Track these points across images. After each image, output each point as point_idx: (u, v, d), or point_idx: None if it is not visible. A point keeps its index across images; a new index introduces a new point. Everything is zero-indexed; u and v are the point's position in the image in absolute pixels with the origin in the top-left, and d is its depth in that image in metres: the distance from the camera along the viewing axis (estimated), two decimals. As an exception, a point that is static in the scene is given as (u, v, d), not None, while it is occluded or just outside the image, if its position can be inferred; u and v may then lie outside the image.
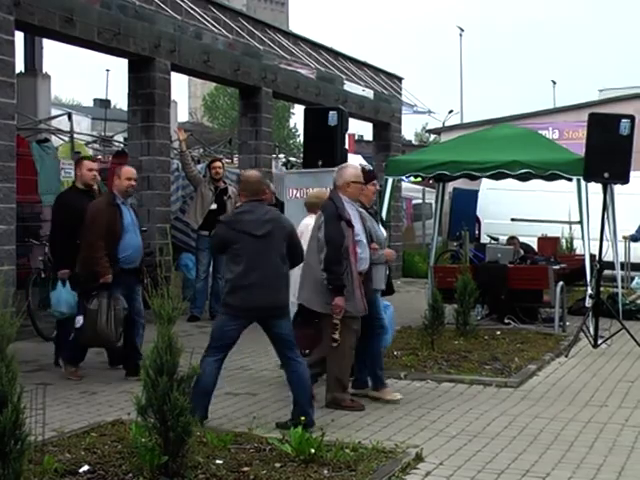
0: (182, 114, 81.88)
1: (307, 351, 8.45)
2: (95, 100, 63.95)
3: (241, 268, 7.18)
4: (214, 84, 53.36)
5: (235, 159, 19.58)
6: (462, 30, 61.22)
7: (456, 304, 12.07)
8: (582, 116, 17.66)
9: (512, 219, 19.95)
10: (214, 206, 14.46)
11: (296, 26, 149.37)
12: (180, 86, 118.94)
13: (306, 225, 8.82)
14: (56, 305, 9.73)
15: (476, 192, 21.80)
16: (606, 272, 12.46)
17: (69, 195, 10.09)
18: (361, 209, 8.42)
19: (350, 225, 7.98)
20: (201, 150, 19.78)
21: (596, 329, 11.77)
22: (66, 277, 9.64)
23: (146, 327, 9.54)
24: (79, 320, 9.33)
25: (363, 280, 8.12)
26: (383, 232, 9.06)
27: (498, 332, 12.45)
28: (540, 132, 19.14)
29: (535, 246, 17.39)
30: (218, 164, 14.85)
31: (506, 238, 16.73)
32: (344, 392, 8.18)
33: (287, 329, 7.45)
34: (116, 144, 19.34)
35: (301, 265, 7.98)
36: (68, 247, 9.51)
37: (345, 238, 7.87)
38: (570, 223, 18.14)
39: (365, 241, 8.20)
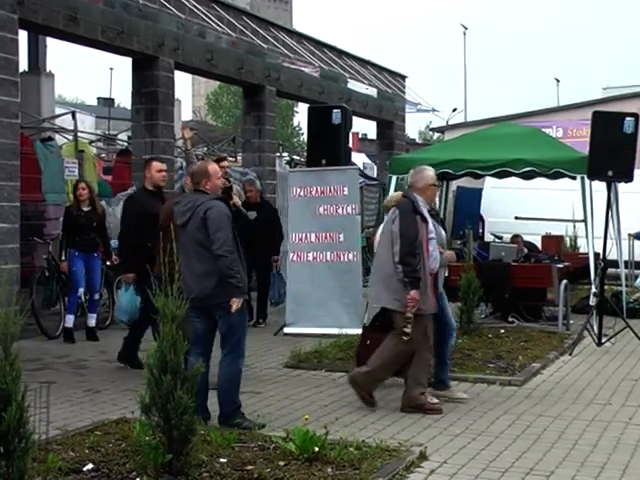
0: (186, 112, 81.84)
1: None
2: (99, 99, 63.91)
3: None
4: (218, 83, 53.39)
5: (239, 157, 19.59)
6: (466, 28, 61.14)
7: (460, 302, 12.05)
8: (586, 114, 17.62)
9: (516, 217, 19.91)
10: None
11: (300, 24, 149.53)
12: (184, 85, 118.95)
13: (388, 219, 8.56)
14: (118, 312, 9.50)
15: (480, 190, 21.76)
16: (610, 270, 12.45)
17: (139, 197, 9.92)
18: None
19: (424, 220, 7.94)
20: (205, 148, 19.78)
21: (600, 327, 11.75)
22: (131, 282, 9.40)
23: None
24: None
25: (433, 281, 8.06)
26: (444, 234, 9.01)
27: (502, 330, 12.43)
28: (544, 130, 19.13)
29: (539, 244, 17.36)
30: (226, 164, 14.83)
31: (510, 236, 16.70)
32: (423, 394, 8.04)
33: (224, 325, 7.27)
34: (120, 142, 19.34)
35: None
36: (138, 250, 9.26)
37: (419, 232, 7.84)
38: (574, 221, 18.10)
39: (436, 240, 8.12)
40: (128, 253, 9.70)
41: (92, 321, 12.16)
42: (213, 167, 7.53)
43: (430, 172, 8.36)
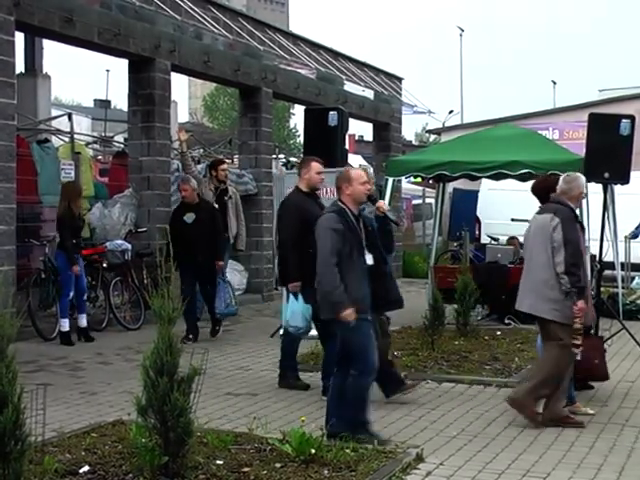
0: (182, 114, 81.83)
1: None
2: (95, 100, 63.89)
3: None
4: (214, 84, 53.38)
5: (235, 159, 19.59)
6: (462, 30, 61.24)
7: (456, 304, 12.06)
8: (582, 116, 17.63)
9: (512, 219, 19.88)
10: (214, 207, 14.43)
11: (296, 26, 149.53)
12: (180, 86, 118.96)
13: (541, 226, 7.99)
14: (292, 320, 8.77)
15: (476, 192, 21.78)
16: (606, 272, 12.45)
17: (298, 201, 9.06)
18: None
19: (583, 229, 7.85)
20: (201, 150, 19.78)
21: (596, 329, 11.75)
22: (298, 290, 8.71)
23: (146, 328, 9.52)
24: None
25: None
26: None
27: (498, 332, 12.45)
28: (540, 132, 19.13)
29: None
30: (226, 166, 14.82)
31: (506, 238, 16.72)
32: (565, 407, 7.82)
33: None
34: (116, 144, 19.33)
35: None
36: (301, 256, 8.60)
37: (580, 241, 7.68)
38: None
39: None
40: (292, 260, 8.87)
41: (83, 321, 12.25)
42: (357, 173, 7.24)
43: (583, 180, 8.29)
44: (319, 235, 6.92)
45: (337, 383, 7.03)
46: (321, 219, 7.02)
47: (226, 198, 14.56)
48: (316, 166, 9.10)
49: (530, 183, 15.36)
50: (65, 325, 11.97)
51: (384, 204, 7.49)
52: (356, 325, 6.75)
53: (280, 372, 9.33)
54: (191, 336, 12.22)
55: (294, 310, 8.66)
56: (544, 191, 8.32)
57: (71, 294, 12.05)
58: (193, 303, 12.27)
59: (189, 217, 12.23)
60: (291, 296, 8.73)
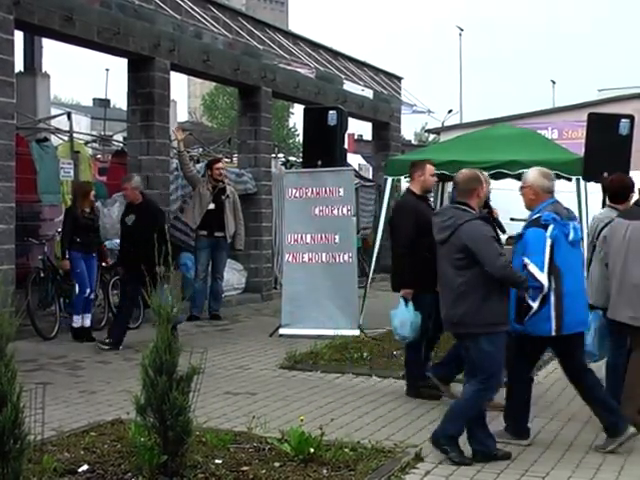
0: (181, 113, 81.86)
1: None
2: (95, 99, 63.97)
3: None
4: (213, 84, 53.38)
5: (234, 159, 19.58)
6: (461, 30, 61.27)
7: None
8: (581, 116, 17.64)
9: (511, 219, 19.87)
10: (212, 206, 14.44)
11: (296, 26, 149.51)
12: (179, 85, 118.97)
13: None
14: (399, 328, 8.58)
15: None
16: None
17: (413, 205, 8.80)
18: None
19: None
20: (200, 150, 19.77)
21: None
22: (410, 297, 8.56)
23: (145, 326, 9.51)
24: None
25: None
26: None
27: (497, 332, 12.42)
28: (539, 132, 19.11)
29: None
30: (221, 165, 14.83)
31: (505, 238, 16.70)
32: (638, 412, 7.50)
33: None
34: (115, 143, 19.31)
35: None
36: (415, 261, 8.47)
37: None
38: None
39: None
40: (409, 267, 8.59)
41: (87, 321, 12.24)
42: (485, 175, 7.10)
43: None
44: (482, 244, 6.54)
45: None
46: (477, 227, 6.61)
47: (223, 197, 14.57)
48: (431, 169, 8.98)
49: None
50: (78, 321, 12.06)
51: (497, 211, 7.35)
52: (501, 339, 6.67)
53: (408, 382, 8.92)
54: (109, 340, 11.49)
55: (403, 319, 8.49)
56: (622, 189, 8.24)
57: (87, 291, 12.08)
58: (131, 308, 12.04)
59: (129, 219, 11.78)
60: (402, 303, 8.53)
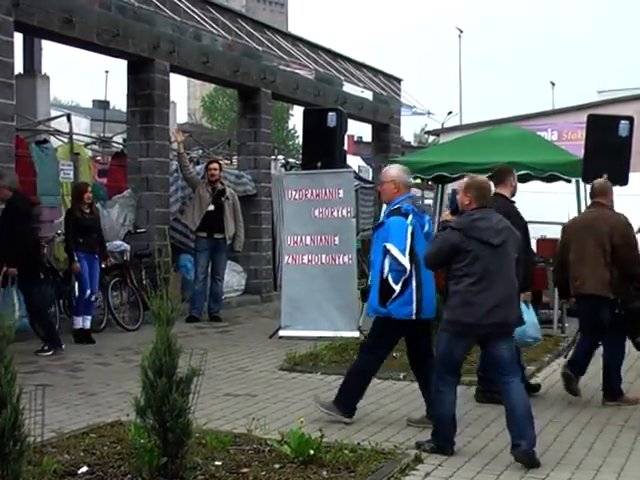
0: (181, 115, 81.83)
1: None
2: (94, 101, 63.89)
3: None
4: (213, 85, 53.39)
5: (234, 160, 19.59)
6: (461, 32, 61.36)
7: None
8: (581, 117, 17.66)
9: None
10: (211, 207, 14.45)
11: (295, 27, 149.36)
12: (179, 87, 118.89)
13: None
14: (531, 330, 8.46)
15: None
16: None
17: (516, 211, 8.68)
18: None
19: None
20: (200, 151, 19.78)
21: (595, 330, 11.73)
22: (529, 300, 8.54)
23: (147, 328, 9.50)
24: None
25: None
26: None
27: (497, 333, 12.41)
28: (539, 133, 19.13)
29: (534, 247, 17.36)
30: (214, 166, 14.83)
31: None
32: None
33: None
34: (115, 145, 19.33)
35: None
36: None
37: None
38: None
39: None
40: (525, 271, 8.37)
41: (87, 323, 12.24)
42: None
43: None
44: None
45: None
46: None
47: (223, 199, 14.57)
48: (515, 174, 9.01)
49: (529, 184, 15.48)
50: (79, 323, 12.04)
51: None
52: None
53: (483, 388, 8.79)
54: (47, 347, 11.11)
55: (532, 321, 8.47)
56: None
57: (88, 292, 12.06)
58: (44, 308, 11.51)
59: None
60: (523, 307, 8.36)
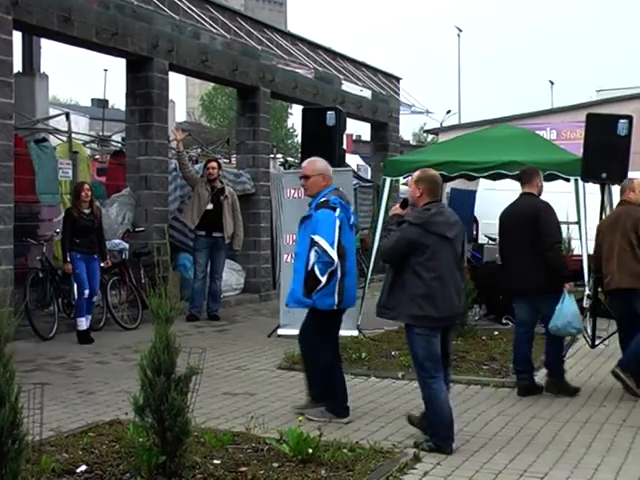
0: (180, 114, 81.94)
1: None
2: (93, 100, 63.86)
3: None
4: (212, 84, 53.38)
5: (233, 159, 19.59)
6: (460, 31, 61.35)
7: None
8: (580, 116, 17.66)
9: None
10: (210, 206, 14.44)
11: (294, 26, 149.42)
12: (178, 86, 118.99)
13: None
14: (575, 322, 8.72)
15: (474, 192, 21.74)
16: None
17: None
18: None
19: None
20: (199, 150, 19.78)
21: (594, 329, 11.75)
22: (572, 290, 8.82)
23: (145, 326, 9.50)
24: None
25: None
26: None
27: (496, 332, 12.45)
28: (538, 132, 19.12)
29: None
30: (213, 164, 14.82)
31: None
32: None
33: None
34: (114, 144, 19.32)
35: None
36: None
37: None
38: (568, 223, 18.11)
39: None
40: (565, 263, 9.10)
41: (86, 322, 12.21)
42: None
43: None
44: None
45: None
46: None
47: (222, 198, 14.57)
48: (541, 175, 9.40)
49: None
50: (82, 324, 12.01)
51: None
52: None
53: (554, 380, 9.09)
54: None
55: (576, 312, 8.73)
56: None
57: (86, 292, 12.05)
58: None
59: None
60: (567, 298, 8.69)
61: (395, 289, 6.88)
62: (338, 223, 7.47)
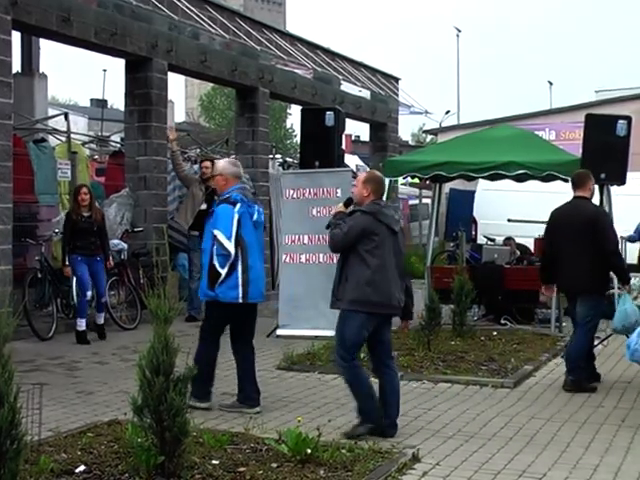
0: (179, 114, 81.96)
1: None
2: (92, 100, 63.89)
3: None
4: (211, 84, 53.38)
5: (232, 159, 19.56)
6: (459, 31, 61.30)
7: (453, 304, 12.06)
8: (579, 117, 17.65)
9: (509, 220, 19.91)
10: (204, 206, 14.41)
11: (293, 26, 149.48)
12: (177, 86, 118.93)
13: None
14: (633, 322, 8.85)
15: (473, 193, 21.78)
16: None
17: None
18: None
19: None
20: (198, 150, 19.77)
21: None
22: (629, 291, 9.20)
23: (144, 327, 9.50)
24: None
25: None
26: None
27: (495, 333, 12.45)
28: (537, 133, 19.17)
29: (531, 247, 17.38)
30: (207, 164, 14.78)
31: (502, 239, 16.72)
32: None
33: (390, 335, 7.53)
34: (113, 144, 19.31)
35: None
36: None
37: None
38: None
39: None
40: (624, 265, 9.52)
41: (100, 319, 12.30)
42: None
43: None
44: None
45: None
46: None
47: (216, 197, 14.53)
48: (593, 178, 9.53)
49: (527, 184, 15.47)
50: (82, 325, 12.00)
51: None
52: None
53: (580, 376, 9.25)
54: None
55: (634, 309, 8.95)
56: None
57: (88, 294, 12.05)
58: None
59: None
60: (627, 297, 9.05)
61: (343, 279, 7.26)
62: (237, 217, 7.76)
